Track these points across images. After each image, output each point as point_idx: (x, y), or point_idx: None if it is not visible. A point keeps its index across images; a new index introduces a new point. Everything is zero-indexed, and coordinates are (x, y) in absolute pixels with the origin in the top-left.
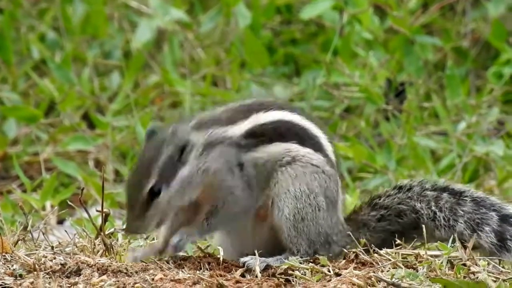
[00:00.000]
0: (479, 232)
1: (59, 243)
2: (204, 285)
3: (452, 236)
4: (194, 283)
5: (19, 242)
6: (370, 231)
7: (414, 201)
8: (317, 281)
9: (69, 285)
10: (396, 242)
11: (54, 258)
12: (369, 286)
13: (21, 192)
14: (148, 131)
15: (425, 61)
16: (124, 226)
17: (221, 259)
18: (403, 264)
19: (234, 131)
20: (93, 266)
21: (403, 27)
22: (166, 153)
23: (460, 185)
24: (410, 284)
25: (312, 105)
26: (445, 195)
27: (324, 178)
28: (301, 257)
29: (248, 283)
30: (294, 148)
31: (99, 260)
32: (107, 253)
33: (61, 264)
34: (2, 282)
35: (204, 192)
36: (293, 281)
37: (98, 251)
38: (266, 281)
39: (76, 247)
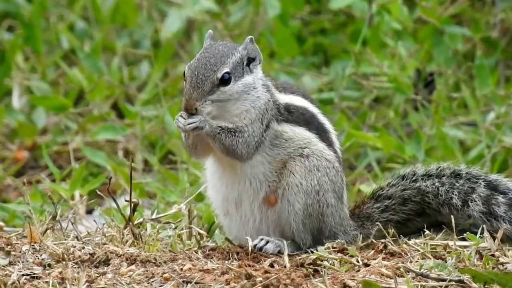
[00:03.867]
0: (469, 202)
1: (88, 233)
2: (232, 275)
3: (481, 227)
4: (223, 273)
5: (48, 231)
6: (373, 224)
7: (418, 182)
8: (345, 272)
9: (98, 275)
10: (425, 233)
11: (83, 248)
12: (398, 276)
13: (50, 182)
14: (209, 33)
15: (454, 51)
16: (183, 102)
17: (249, 249)
18: (431, 255)
19: (280, 97)
20: (122, 256)
21: (432, 17)
22: (240, 54)
23: (462, 166)
24: (439, 275)
25: (341, 95)
26: (447, 171)
27: (334, 173)
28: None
29: (276, 273)
30: (314, 140)
31: (128, 250)
32: (135, 243)
33: (90, 254)
34: (31, 272)
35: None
36: (322, 271)
37: (126, 241)
38: (295, 271)
39: (105, 237)
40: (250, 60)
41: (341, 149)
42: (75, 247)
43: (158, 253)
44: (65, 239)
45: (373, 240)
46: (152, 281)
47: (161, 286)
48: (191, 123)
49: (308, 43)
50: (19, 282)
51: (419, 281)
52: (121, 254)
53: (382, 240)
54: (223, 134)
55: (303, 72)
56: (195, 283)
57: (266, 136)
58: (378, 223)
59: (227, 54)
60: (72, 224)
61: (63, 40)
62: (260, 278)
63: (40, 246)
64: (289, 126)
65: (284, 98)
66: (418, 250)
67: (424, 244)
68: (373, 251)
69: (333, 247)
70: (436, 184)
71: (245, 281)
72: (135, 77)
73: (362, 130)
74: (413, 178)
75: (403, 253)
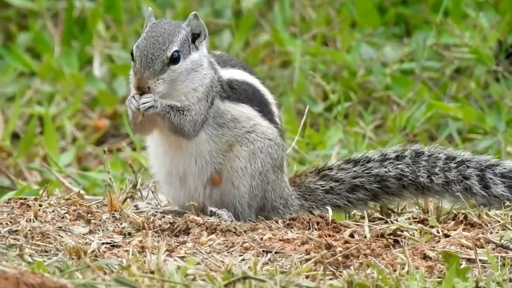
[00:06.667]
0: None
1: (169, 201)
2: (312, 245)
3: None
4: (303, 243)
5: (128, 200)
6: (315, 202)
7: (376, 169)
8: (425, 242)
9: (178, 244)
10: (506, 204)
11: (163, 217)
12: (478, 247)
13: (130, 150)
14: (150, 11)
15: None
16: (134, 81)
17: (329, 219)
18: None
19: (223, 72)
20: (202, 225)
21: None
22: (185, 32)
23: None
24: None
25: (422, 66)
26: (407, 152)
27: (276, 149)
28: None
29: (356, 243)
30: (258, 120)
31: (208, 219)
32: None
33: (170, 223)
34: (111, 240)
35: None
36: (402, 242)
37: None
38: (375, 242)
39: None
40: (195, 36)
41: (280, 117)
42: (155, 215)
43: (238, 222)
44: (146, 208)
45: (454, 211)
46: (232, 251)
47: (241, 255)
48: (145, 103)
49: (389, 13)
50: (99, 251)
51: (499, 252)
52: (201, 223)
53: (463, 211)
54: (172, 112)
55: (384, 42)
56: (275, 252)
57: (210, 113)
58: (328, 207)
59: (174, 32)
60: (152, 192)
61: (144, 9)
62: (340, 248)
63: (120, 215)
64: (231, 105)
65: (226, 74)
66: (499, 221)
67: (504, 215)
68: (453, 222)
69: (413, 218)
70: (410, 167)
71: (325, 251)
72: (217, 46)
73: (443, 100)
74: (369, 165)
75: (483, 224)
